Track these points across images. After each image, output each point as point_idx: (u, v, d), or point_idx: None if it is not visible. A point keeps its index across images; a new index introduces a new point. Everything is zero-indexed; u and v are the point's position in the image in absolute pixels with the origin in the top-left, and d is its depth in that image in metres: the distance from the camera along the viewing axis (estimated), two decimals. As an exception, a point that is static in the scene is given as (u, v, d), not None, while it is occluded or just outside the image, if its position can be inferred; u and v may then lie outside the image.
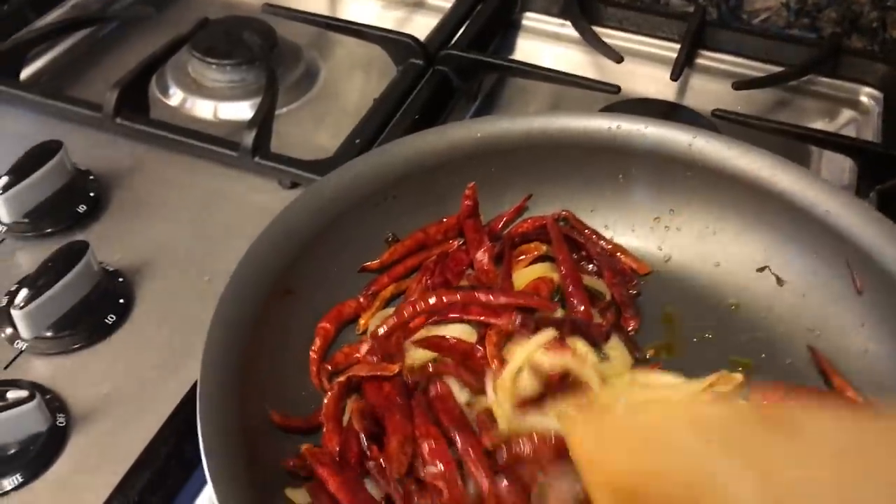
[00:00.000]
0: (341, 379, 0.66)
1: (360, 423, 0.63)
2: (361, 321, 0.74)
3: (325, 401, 0.65)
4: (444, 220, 0.79)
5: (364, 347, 0.70)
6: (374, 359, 0.68)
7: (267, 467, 0.59)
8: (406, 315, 0.71)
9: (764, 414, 0.47)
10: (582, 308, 0.72)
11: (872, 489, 0.44)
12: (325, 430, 0.64)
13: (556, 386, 0.65)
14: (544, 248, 0.80)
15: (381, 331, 0.70)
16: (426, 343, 0.69)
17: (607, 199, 0.81)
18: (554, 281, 0.76)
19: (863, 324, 0.71)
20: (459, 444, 0.61)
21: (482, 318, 0.70)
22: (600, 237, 0.81)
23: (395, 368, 0.65)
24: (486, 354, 0.67)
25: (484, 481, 0.58)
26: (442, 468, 0.59)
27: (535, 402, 0.64)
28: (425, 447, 0.60)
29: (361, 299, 0.75)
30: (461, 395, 0.66)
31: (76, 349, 0.73)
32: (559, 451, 0.56)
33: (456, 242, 0.79)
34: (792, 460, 0.46)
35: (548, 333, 0.67)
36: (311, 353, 0.70)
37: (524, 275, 0.77)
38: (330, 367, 0.69)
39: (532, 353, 0.66)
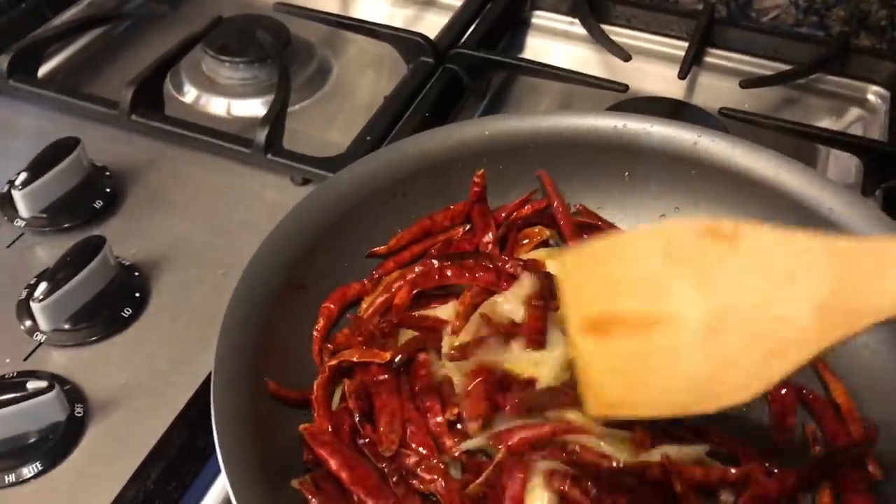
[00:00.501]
0: (332, 362, 0.67)
1: (355, 403, 0.65)
2: (364, 304, 0.75)
3: (315, 384, 0.66)
4: (451, 207, 0.80)
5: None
6: (359, 339, 0.70)
7: (278, 456, 0.61)
8: (391, 290, 0.74)
9: (714, 229, 0.50)
10: None
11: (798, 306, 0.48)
12: (315, 413, 0.65)
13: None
14: (548, 232, 0.81)
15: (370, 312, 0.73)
16: (407, 321, 0.72)
17: (614, 196, 0.82)
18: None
19: (863, 321, 0.71)
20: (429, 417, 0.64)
21: (460, 280, 0.73)
22: (616, 229, 0.82)
23: (387, 356, 0.67)
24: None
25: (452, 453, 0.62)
26: (424, 452, 0.62)
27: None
28: (408, 430, 0.63)
29: (366, 282, 0.76)
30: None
31: (94, 341, 0.74)
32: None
33: (462, 229, 0.81)
34: (734, 273, 0.49)
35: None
36: (314, 332, 0.71)
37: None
38: (331, 347, 0.71)
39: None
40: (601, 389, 0.52)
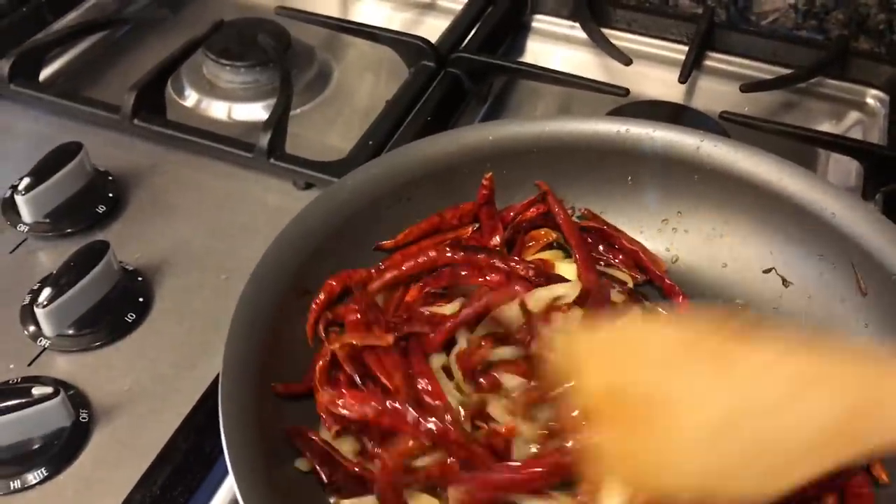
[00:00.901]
0: (334, 346, 0.67)
1: (352, 366, 0.66)
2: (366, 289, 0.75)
3: (317, 368, 0.66)
4: (461, 205, 0.81)
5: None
6: (356, 309, 0.71)
7: (286, 459, 0.61)
8: (401, 268, 0.75)
9: (730, 335, 0.51)
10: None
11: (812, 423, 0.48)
12: (317, 397, 0.66)
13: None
14: (554, 234, 0.82)
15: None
16: (417, 318, 0.72)
17: (616, 201, 0.83)
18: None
19: (867, 324, 0.72)
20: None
21: (472, 281, 0.74)
22: (621, 233, 0.83)
23: (390, 339, 0.67)
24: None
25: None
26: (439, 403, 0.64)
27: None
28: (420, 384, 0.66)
29: (373, 270, 0.76)
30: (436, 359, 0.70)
31: (97, 346, 0.74)
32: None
33: (470, 228, 0.81)
34: (749, 380, 0.49)
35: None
36: (312, 304, 0.71)
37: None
38: (330, 316, 0.71)
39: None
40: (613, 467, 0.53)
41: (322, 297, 0.72)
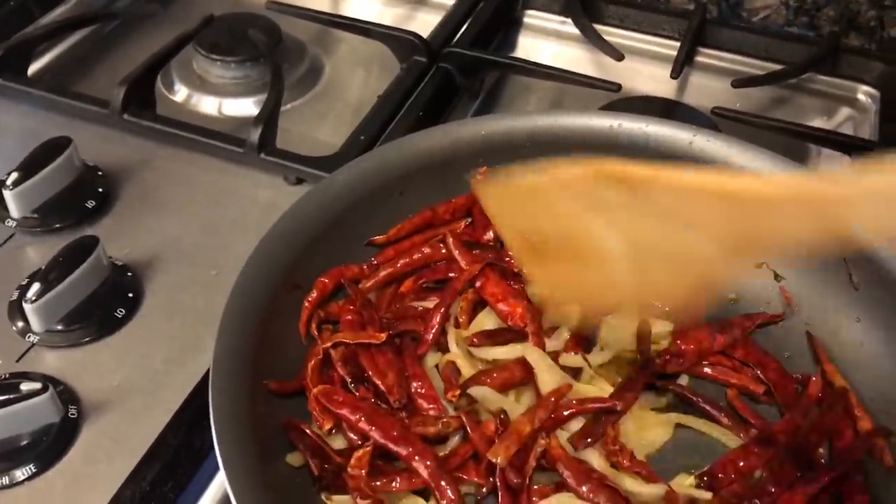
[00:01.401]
0: (327, 345, 0.67)
1: (345, 369, 0.67)
2: (360, 287, 0.75)
3: (309, 367, 0.67)
4: (453, 199, 0.80)
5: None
6: (351, 308, 0.71)
7: (277, 456, 0.61)
8: (396, 266, 0.76)
9: (615, 174, 0.56)
10: None
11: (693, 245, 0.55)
12: (310, 396, 0.66)
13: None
14: None
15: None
16: (411, 314, 0.73)
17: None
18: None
19: (859, 319, 0.72)
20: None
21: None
22: None
23: (383, 336, 0.68)
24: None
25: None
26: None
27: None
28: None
29: (365, 267, 0.76)
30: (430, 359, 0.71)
31: (87, 342, 0.74)
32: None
33: (463, 223, 0.81)
34: (640, 218, 0.56)
35: None
36: (304, 302, 0.71)
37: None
38: (322, 314, 0.71)
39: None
40: (549, 289, 0.65)
41: (314, 294, 0.71)
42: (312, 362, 0.67)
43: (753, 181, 0.57)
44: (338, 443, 0.64)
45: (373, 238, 0.77)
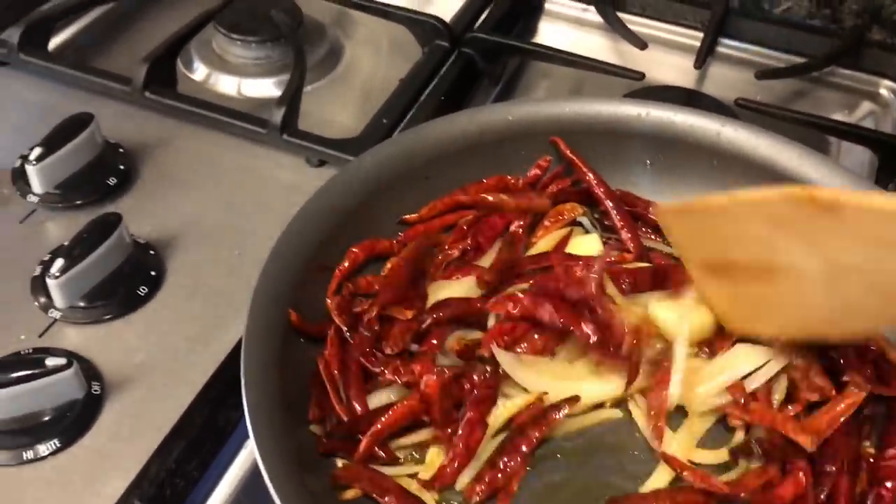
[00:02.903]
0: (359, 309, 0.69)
1: (371, 325, 0.68)
2: (388, 264, 0.75)
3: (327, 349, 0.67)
4: (485, 180, 0.80)
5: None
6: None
7: (305, 434, 0.61)
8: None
9: (811, 197, 0.53)
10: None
11: None
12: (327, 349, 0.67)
13: None
14: (580, 209, 0.81)
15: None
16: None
17: (634, 184, 0.82)
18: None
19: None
20: None
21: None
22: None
23: (409, 314, 0.69)
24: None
25: None
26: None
27: None
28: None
29: (395, 242, 0.76)
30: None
31: (109, 319, 0.74)
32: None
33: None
34: (838, 236, 0.53)
35: None
36: (336, 270, 0.72)
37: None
38: (352, 287, 0.72)
39: None
40: (729, 315, 0.61)
41: (346, 264, 0.72)
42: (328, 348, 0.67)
43: None
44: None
45: (405, 217, 0.78)
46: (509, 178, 0.81)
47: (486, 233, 0.78)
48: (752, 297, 0.60)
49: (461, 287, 0.73)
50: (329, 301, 0.70)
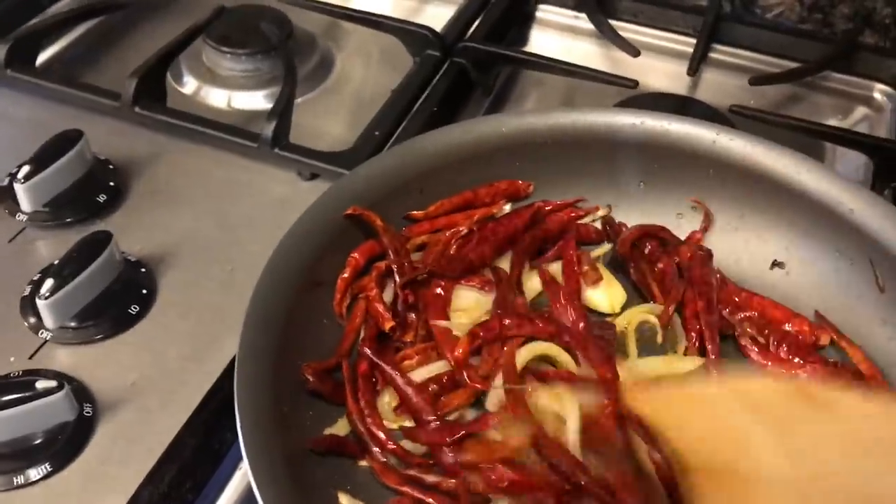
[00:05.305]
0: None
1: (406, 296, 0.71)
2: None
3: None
4: (495, 183, 0.80)
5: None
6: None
7: (302, 454, 0.60)
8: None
9: (806, 392, 0.48)
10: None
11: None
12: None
13: None
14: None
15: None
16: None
17: (630, 194, 0.82)
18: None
19: (884, 321, 0.71)
20: None
21: None
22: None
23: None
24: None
25: None
26: None
27: None
28: None
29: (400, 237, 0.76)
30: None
31: (100, 339, 0.73)
32: None
33: (501, 204, 0.80)
34: (826, 440, 0.47)
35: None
36: (339, 279, 0.71)
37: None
38: (355, 289, 0.72)
39: None
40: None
41: (347, 271, 0.71)
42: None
43: None
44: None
45: (410, 213, 0.77)
46: (520, 182, 0.81)
47: (501, 232, 0.77)
48: (717, 490, 0.50)
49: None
50: (337, 309, 0.70)
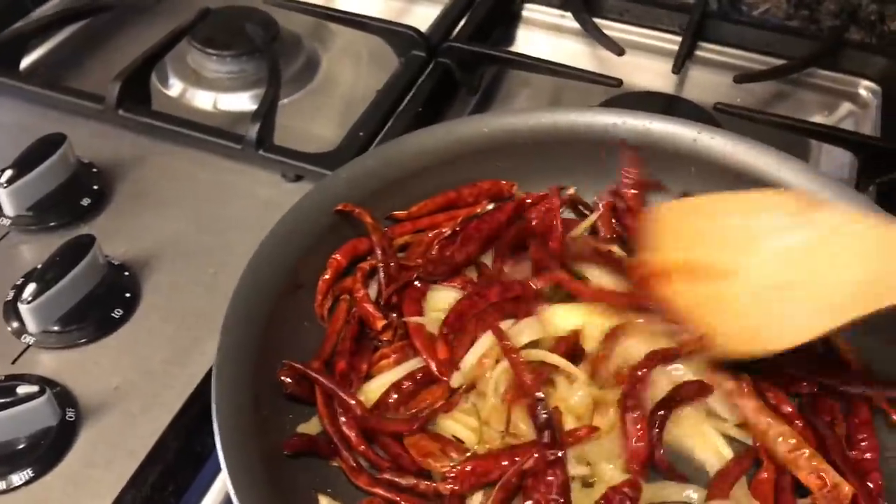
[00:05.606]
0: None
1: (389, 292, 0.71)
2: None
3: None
4: (478, 182, 0.80)
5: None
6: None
7: (281, 458, 0.60)
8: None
9: (796, 201, 0.60)
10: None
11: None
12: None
13: None
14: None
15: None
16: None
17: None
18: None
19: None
20: None
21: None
22: None
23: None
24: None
25: None
26: None
27: None
28: None
29: (383, 237, 0.75)
30: None
31: (83, 343, 0.73)
32: None
33: (484, 204, 0.80)
34: (800, 246, 0.58)
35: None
36: (320, 281, 0.72)
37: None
38: (336, 291, 0.72)
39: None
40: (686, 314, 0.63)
41: (329, 273, 0.71)
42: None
43: None
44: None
45: (393, 213, 0.77)
46: (503, 182, 0.81)
47: (484, 229, 0.77)
48: (708, 297, 0.62)
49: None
50: (319, 311, 0.71)
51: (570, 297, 0.72)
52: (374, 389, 0.67)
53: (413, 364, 0.68)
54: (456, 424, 0.64)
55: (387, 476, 0.60)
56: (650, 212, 0.71)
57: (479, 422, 0.64)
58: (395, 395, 0.65)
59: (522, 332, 0.69)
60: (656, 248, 0.65)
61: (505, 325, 0.69)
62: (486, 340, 0.68)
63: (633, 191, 0.80)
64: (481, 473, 0.60)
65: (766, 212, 0.60)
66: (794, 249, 0.58)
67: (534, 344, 0.68)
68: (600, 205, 0.81)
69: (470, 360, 0.66)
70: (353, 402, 0.64)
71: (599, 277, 0.75)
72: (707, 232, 0.63)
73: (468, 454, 0.61)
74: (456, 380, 0.65)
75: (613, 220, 0.80)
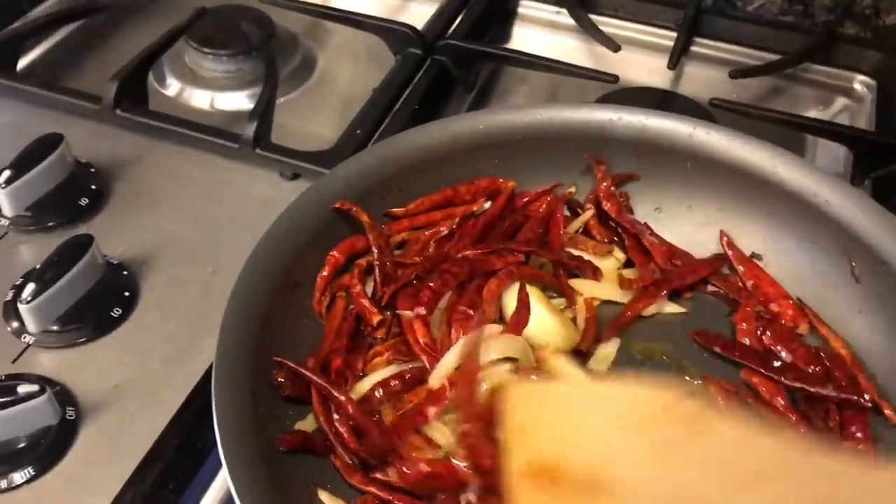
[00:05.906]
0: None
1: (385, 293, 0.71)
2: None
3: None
4: (476, 181, 0.80)
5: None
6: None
7: (281, 454, 0.61)
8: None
9: (686, 413, 0.44)
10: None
11: None
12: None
13: None
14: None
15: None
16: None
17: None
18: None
19: (860, 311, 0.72)
20: None
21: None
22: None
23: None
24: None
25: None
26: None
27: None
28: None
29: (380, 234, 0.75)
30: None
31: (83, 342, 0.73)
32: None
33: (481, 202, 0.80)
34: (693, 460, 0.43)
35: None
36: (318, 278, 0.72)
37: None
38: (334, 288, 0.72)
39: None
40: None
41: (327, 270, 0.72)
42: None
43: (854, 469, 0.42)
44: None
45: (391, 210, 0.77)
46: (500, 180, 0.81)
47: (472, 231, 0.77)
48: None
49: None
50: (317, 308, 0.71)
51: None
52: (366, 387, 0.67)
53: (405, 365, 0.67)
54: (433, 431, 0.63)
55: (379, 475, 0.60)
56: (503, 393, 0.52)
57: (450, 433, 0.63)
58: (381, 392, 0.65)
59: (492, 347, 0.65)
60: (514, 440, 0.48)
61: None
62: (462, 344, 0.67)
63: (609, 188, 0.80)
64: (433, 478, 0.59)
65: (644, 412, 0.45)
66: (684, 465, 0.43)
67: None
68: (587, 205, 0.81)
69: (447, 362, 0.64)
70: (343, 398, 0.63)
71: (592, 289, 0.76)
72: (575, 431, 0.47)
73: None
74: (434, 381, 0.64)
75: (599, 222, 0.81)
